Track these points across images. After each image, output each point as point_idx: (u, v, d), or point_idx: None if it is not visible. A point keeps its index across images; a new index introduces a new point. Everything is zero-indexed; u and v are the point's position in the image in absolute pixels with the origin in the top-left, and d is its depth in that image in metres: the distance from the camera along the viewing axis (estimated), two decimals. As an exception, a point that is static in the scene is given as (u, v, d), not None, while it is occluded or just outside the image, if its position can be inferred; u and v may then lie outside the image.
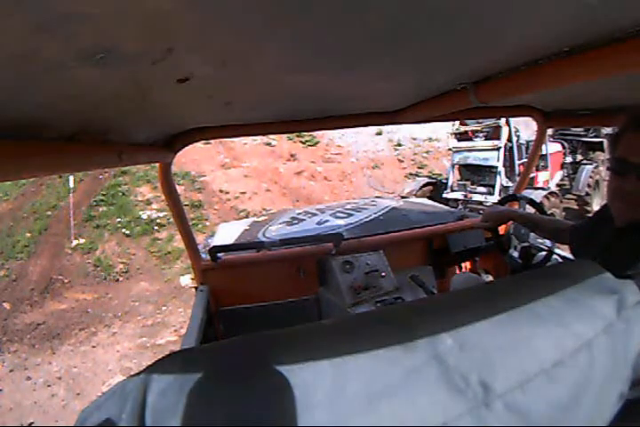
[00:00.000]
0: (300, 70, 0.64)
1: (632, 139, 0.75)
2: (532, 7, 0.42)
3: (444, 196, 5.49)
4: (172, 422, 0.29)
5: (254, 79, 0.67)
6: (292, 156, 7.72)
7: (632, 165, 0.74)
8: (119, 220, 5.67)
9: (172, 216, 1.57)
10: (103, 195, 6.15)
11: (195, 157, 6.96)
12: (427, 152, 8.37)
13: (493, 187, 5.07)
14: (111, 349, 3.40)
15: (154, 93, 0.63)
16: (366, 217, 2.11)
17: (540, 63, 0.66)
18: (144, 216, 5.75)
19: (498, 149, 5.01)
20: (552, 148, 5.52)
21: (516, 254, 1.67)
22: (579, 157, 6.00)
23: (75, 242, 5.21)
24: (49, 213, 5.81)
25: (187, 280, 4.41)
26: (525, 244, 1.69)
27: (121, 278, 4.69)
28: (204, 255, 1.67)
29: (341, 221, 2.06)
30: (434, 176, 6.74)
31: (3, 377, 3.08)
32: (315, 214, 2.21)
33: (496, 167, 5.03)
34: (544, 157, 5.21)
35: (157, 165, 1.40)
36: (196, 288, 1.63)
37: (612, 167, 0.79)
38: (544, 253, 1.64)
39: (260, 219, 2.39)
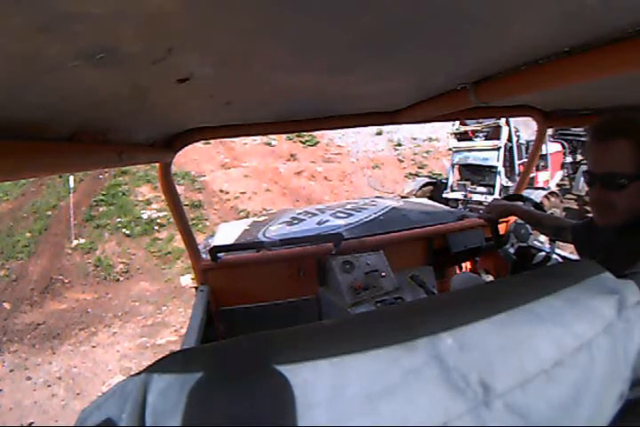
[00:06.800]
0: (300, 70, 0.64)
1: (593, 151, 0.82)
2: (532, 7, 0.42)
3: (444, 196, 5.50)
4: (172, 422, 0.29)
5: (254, 79, 0.67)
6: (291, 156, 7.72)
7: (595, 176, 0.81)
8: (119, 220, 5.67)
9: (172, 216, 1.57)
10: (103, 195, 6.15)
11: (195, 157, 6.96)
12: (427, 152, 8.37)
13: (493, 187, 5.07)
14: (111, 349, 3.40)
15: (154, 93, 0.63)
16: (366, 217, 2.11)
17: (540, 63, 0.66)
18: (144, 216, 5.74)
19: (498, 148, 5.01)
20: (552, 148, 5.52)
21: (512, 250, 1.67)
22: (579, 157, 6.00)
23: (75, 242, 5.21)
24: (49, 213, 5.81)
25: (187, 280, 4.41)
26: (524, 244, 1.69)
27: (121, 278, 4.69)
28: (204, 255, 1.67)
29: (341, 221, 2.06)
30: (434, 176, 6.74)
31: (3, 377, 3.08)
32: (315, 214, 2.21)
33: (496, 167, 5.04)
34: (544, 157, 5.21)
35: (157, 165, 1.40)
36: (196, 288, 1.63)
37: (584, 180, 0.88)
38: (544, 253, 1.64)
39: (260, 219, 2.39)
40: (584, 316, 0.40)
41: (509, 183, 5.01)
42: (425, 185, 5.87)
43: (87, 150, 0.72)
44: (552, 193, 4.88)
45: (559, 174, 5.83)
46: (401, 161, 8.12)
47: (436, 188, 5.84)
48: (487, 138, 5.23)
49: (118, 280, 4.65)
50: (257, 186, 6.80)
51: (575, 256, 1.32)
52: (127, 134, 0.91)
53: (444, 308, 0.41)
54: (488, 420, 0.31)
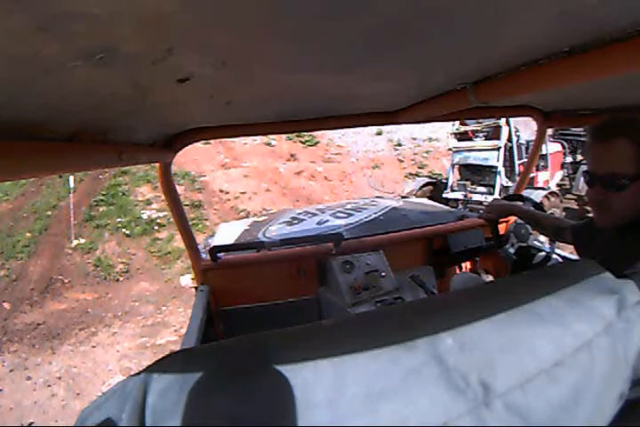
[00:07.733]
0: (300, 70, 0.64)
1: (593, 151, 0.81)
2: (532, 7, 0.42)
3: (444, 196, 5.50)
4: (172, 422, 0.29)
5: (254, 79, 0.67)
6: (291, 156, 7.72)
7: (595, 176, 0.81)
8: (119, 220, 5.67)
9: (172, 216, 1.57)
10: (103, 195, 6.15)
11: (195, 157, 6.96)
12: (427, 152, 8.37)
13: (493, 187, 5.07)
14: (111, 349, 3.40)
15: (154, 93, 0.63)
16: (366, 217, 2.11)
17: (540, 63, 0.66)
18: (144, 216, 5.74)
19: (498, 148, 5.01)
20: (552, 148, 5.52)
21: (512, 250, 1.67)
22: (579, 157, 6.01)
23: (75, 242, 5.21)
24: (49, 213, 5.81)
25: (187, 280, 4.41)
26: (524, 244, 1.70)
27: (121, 278, 4.69)
28: (204, 255, 1.67)
29: (341, 221, 2.06)
30: (434, 176, 6.75)
31: (3, 377, 3.07)
32: (315, 214, 2.21)
33: (496, 167, 5.04)
34: (544, 156, 5.22)
35: (157, 165, 1.40)
36: (196, 288, 1.63)
37: (584, 180, 0.87)
38: (544, 253, 1.64)
39: (260, 219, 2.39)
40: (584, 316, 0.40)
41: (509, 183, 5.01)
42: (425, 185, 5.88)
43: (87, 150, 0.72)
44: (552, 193, 4.88)
45: (559, 174, 5.83)
46: (401, 161, 8.12)
47: (435, 188, 5.85)
48: (487, 138, 5.23)
49: (118, 280, 4.65)
50: (257, 186, 6.80)
51: (575, 256, 1.32)
52: (127, 134, 0.91)
53: (443, 308, 0.41)
54: (488, 420, 0.31)
